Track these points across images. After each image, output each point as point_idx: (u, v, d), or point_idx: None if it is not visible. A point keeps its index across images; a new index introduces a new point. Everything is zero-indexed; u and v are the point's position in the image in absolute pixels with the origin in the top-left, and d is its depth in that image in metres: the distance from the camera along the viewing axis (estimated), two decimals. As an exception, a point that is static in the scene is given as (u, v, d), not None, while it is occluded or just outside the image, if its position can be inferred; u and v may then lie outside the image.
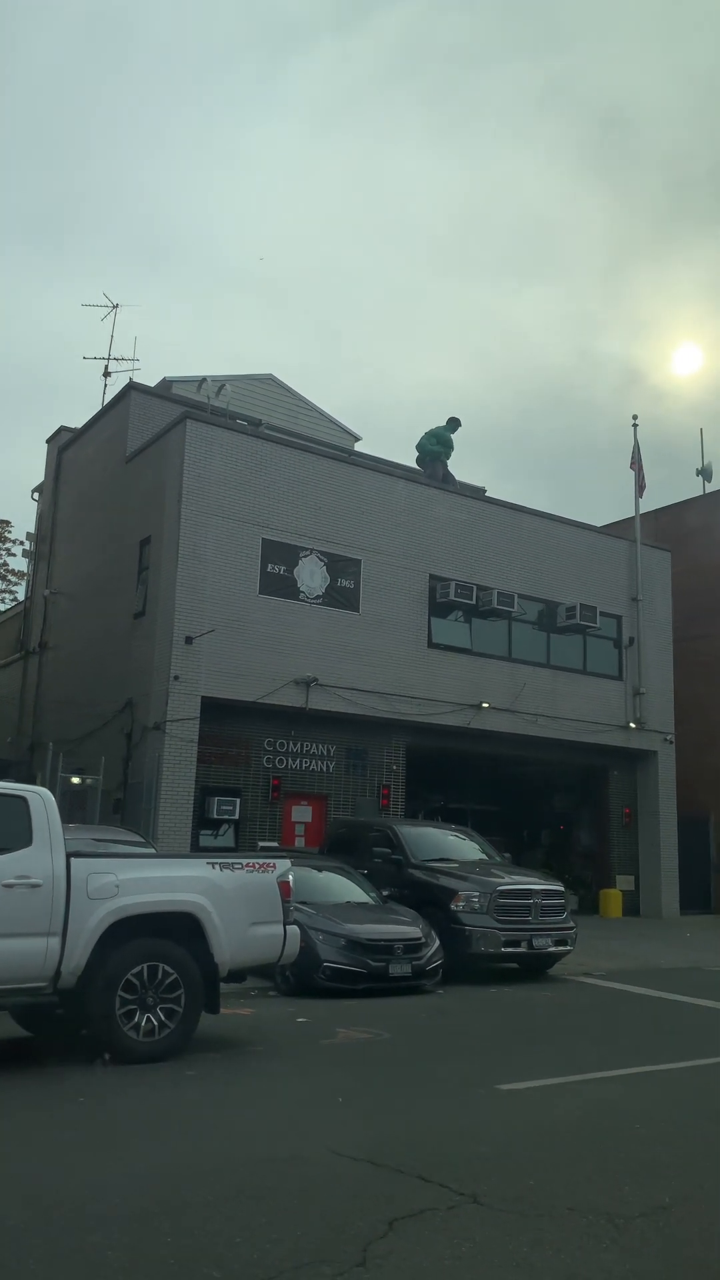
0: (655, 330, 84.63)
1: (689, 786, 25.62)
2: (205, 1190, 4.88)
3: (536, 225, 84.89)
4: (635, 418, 26.55)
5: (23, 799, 7.75)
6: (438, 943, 12.34)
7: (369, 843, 14.99)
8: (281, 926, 8.56)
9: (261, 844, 18.14)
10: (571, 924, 13.88)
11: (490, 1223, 4.56)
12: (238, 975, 8.59)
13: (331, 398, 74.17)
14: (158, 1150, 5.70)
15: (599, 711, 23.95)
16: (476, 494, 25.39)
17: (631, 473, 26.61)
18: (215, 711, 18.42)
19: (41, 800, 7.80)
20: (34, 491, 28.72)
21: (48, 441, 27.34)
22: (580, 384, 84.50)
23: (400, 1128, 6.17)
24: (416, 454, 24.53)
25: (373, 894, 13.11)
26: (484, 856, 15.18)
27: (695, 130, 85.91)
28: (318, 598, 19.98)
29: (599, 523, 28.09)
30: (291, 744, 20.00)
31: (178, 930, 8.04)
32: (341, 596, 20.31)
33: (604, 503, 78.40)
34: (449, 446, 24.32)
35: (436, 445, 24.19)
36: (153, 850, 12.53)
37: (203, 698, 18.15)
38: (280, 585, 19.51)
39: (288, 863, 8.94)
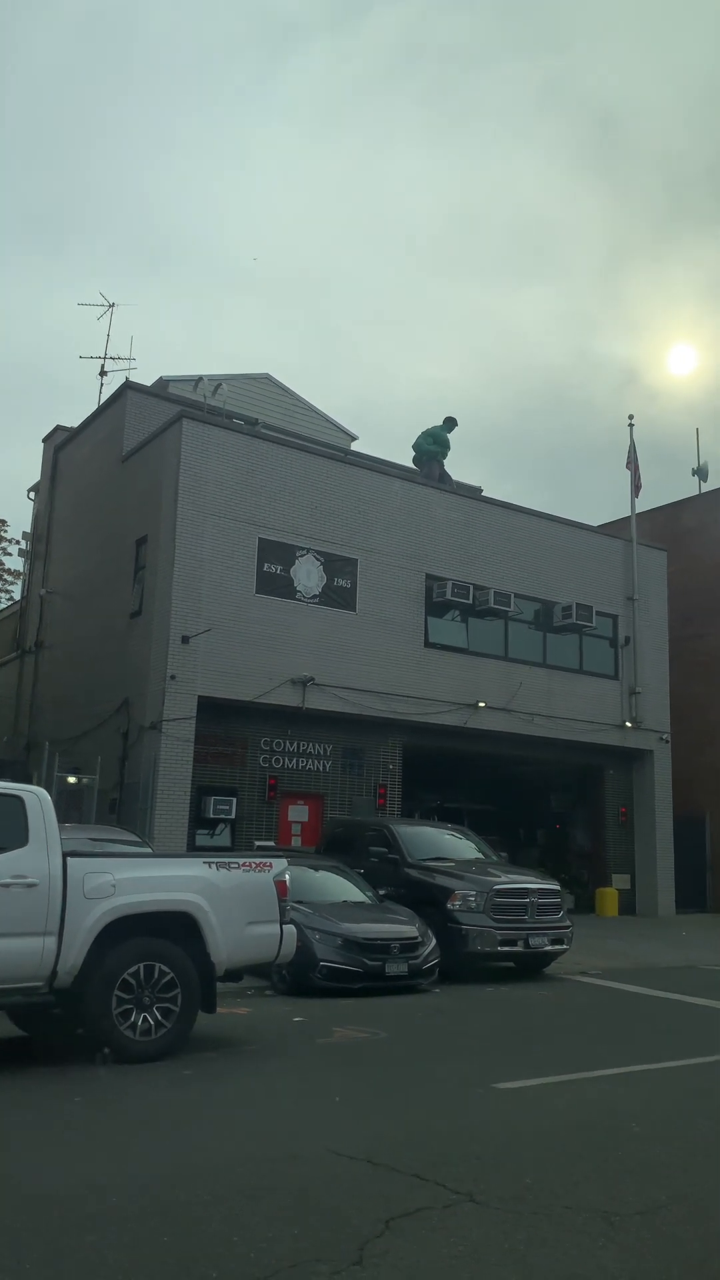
0: (652, 330, 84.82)
1: (685, 786, 25.67)
2: (202, 1189, 4.88)
3: (534, 225, 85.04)
4: (631, 418, 26.78)
5: (19, 798, 7.75)
6: (434, 942, 12.34)
7: (365, 842, 15.00)
8: (278, 926, 8.56)
9: (258, 843, 18.13)
10: (568, 923, 13.89)
11: (487, 1221, 4.56)
12: (234, 974, 8.60)
13: (328, 397, 74.27)
14: (155, 1150, 5.70)
15: (595, 711, 23.98)
16: (473, 494, 25.44)
17: (628, 472, 26.66)
18: (212, 711, 18.42)
19: (38, 800, 7.80)
20: (30, 491, 28.72)
21: (44, 441, 27.31)
22: (577, 384, 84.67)
23: (397, 1127, 6.17)
24: (413, 454, 24.54)
25: (369, 893, 13.11)
26: (480, 856, 15.20)
27: (693, 130, 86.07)
28: (314, 597, 19.98)
29: (595, 522, 28.15)
30: (288, 743, 20.00)
31: (174, 930, 8.04)
32: (338, 596, 20.31)
33: (601, 502, 78.53)
34: (446, 446, 24.33)
35: (433, 445, 24.20)
36: (149, 850, 12.53)
37: (199, 697, 18.15)
38: (277, 585, 19.51)
39: (284, 862, 8.95)
